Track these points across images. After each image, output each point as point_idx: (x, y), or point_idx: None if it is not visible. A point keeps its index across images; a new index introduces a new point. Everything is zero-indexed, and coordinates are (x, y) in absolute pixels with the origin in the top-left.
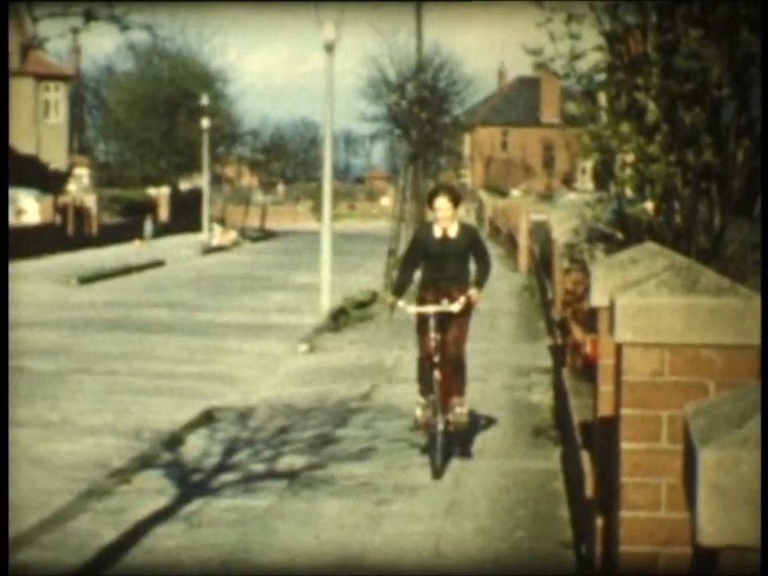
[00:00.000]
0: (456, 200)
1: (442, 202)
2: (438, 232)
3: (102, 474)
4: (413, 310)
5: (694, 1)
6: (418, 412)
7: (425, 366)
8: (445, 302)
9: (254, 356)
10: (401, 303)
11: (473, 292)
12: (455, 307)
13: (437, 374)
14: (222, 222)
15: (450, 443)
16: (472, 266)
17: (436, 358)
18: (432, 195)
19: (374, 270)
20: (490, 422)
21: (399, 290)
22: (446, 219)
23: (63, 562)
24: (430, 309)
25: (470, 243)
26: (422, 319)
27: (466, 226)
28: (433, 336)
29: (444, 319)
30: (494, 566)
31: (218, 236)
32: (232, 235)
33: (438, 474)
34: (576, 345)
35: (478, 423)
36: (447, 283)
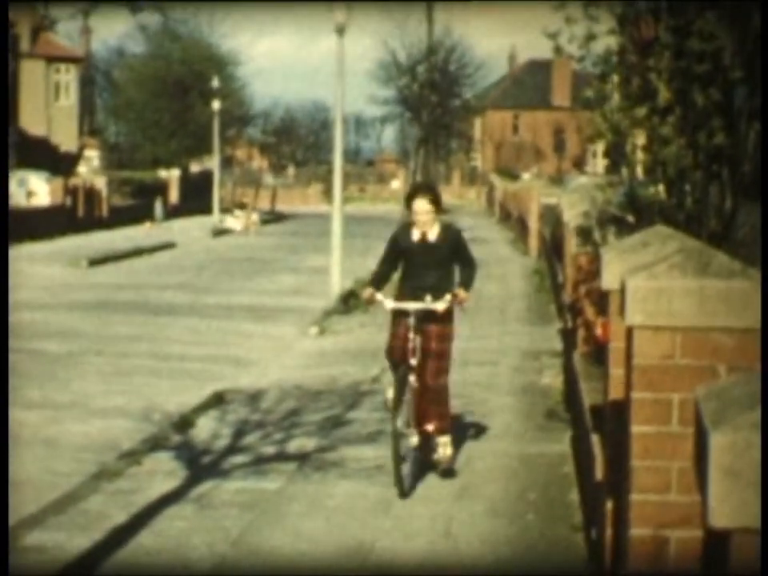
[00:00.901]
0: (437, 201)
1: (421, 205)
2: (416, 235)
3: (112, 455)
4: (391, 304)
5: None
6: (389, 394)
7: (397, 368)
8: (428, 298)
9: (265, 338)
10: (379, 296)
11: (460, 291)
12: (440, 305)
13: (413, 378)
14: (242, 205)
15: (421, 458)
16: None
17: (413, 361)
18: (410, 197)
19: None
20: (501, 406)
21: (376, 282)
22: (425, 223)
23: (74, 543)
24: (411, 305)
25: (453, 248)
26: (399, 317)
27: (448, 228)
28: (412, 336)
29: (425, 320)
30: (504, 549)
31: (239, 220)
32: (254, 218)
33: (405, 493)
34: (588, 325)
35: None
36: (427, 293)
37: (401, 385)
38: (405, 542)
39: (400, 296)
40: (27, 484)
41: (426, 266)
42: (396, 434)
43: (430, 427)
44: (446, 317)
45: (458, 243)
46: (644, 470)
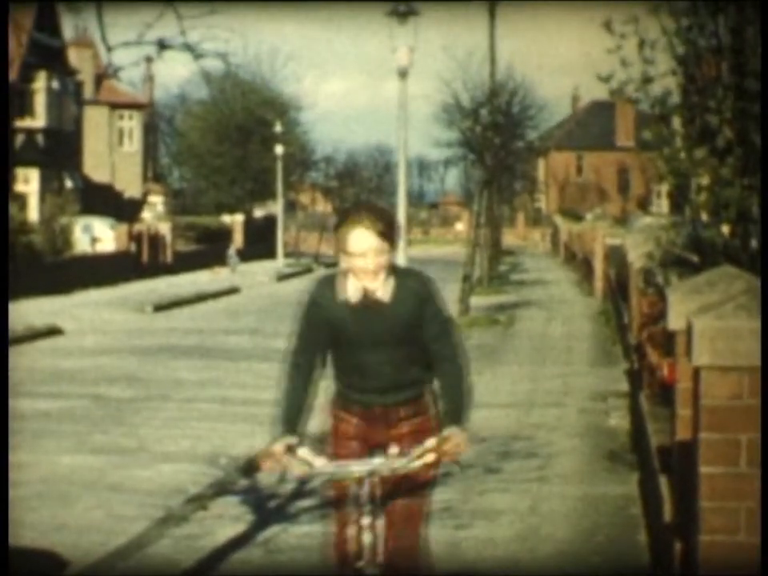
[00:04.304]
0: (389, 233)
1: (363, 238)
2: (353, 292)
3: (179, 500)
4: (326, 469)
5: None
6: None
7: None
8: (392, 451)
9: (331, 382)
10: (300, 453)
11: (453, 432)
12: (413, 464)
13: None
14: None
15: None
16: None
17: (368, 568)
18: (342, 224)
19: (448, 296)
20: (567, 447)
21: (289, 420)
22: (371, 272)
23: None
24: (357, 468)
25: (418, 312)
26: (341, 490)
27: (412, 277)
28: (367, 522)
29: (387, 487)
30: None
31: None
32: None
33: None
34: (652, 368)
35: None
36: (383, 400)
37: None
38: None
39: (337, 418)
40: (94, 529)
41: (376, 348)
42: None
43: None
44: (429, 466)
45: (428, 302)
46: (712, 511)
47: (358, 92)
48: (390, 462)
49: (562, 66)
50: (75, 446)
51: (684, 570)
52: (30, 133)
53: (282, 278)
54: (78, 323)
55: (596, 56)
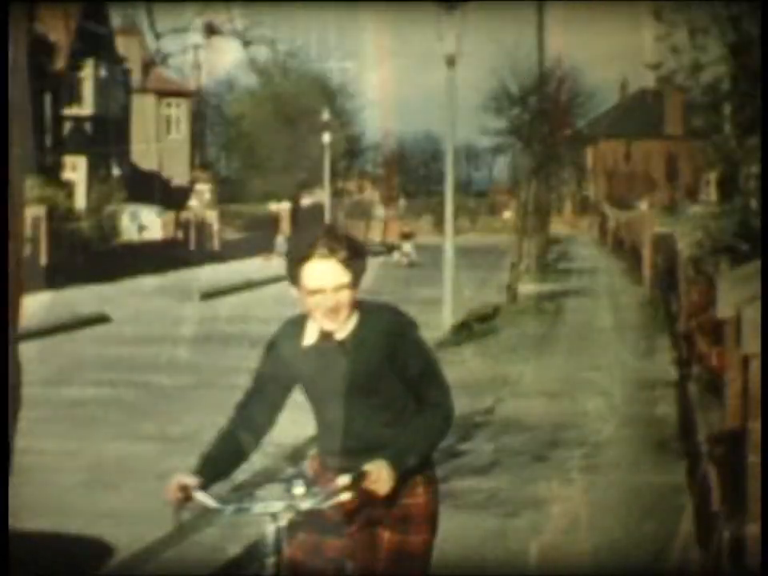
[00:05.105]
0: (351, 262)
1: (319, 272)
2: (311, 335)
3: (225, 488)
4: (226, 510)
5: None
6: None
7: None
8: (298, 490)
9: None
10: (197, 495)
11: (377, 468)
12: (323, 503)
13: None
14: (407, 235)
15: None
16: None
17: None
18: (293, 255)
19: (496, 284)
20: (615, 436)
21: (203, 458)
22: (332, 310)
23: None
24: (258, 509)
25: (386, 350)
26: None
27: (380, 310)
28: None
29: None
30: None
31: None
32: (406, 249)
33: None
34: (701, 357)
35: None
36: (355, 466)
37: None
38: (519, 572)
39: (320, 474)
40: (141, 516)
41: (340, 400)
42: None
43: None
44: (418, 518)
45: (402, 339)
46: (761, 500)
47: (407, 79)
48: (296, 502)
49: (610, 53)
50: (122, 433)
51: (733, 558)
52: (78, 120)
53: None
54: (125, 311)
55: (645, 43)
